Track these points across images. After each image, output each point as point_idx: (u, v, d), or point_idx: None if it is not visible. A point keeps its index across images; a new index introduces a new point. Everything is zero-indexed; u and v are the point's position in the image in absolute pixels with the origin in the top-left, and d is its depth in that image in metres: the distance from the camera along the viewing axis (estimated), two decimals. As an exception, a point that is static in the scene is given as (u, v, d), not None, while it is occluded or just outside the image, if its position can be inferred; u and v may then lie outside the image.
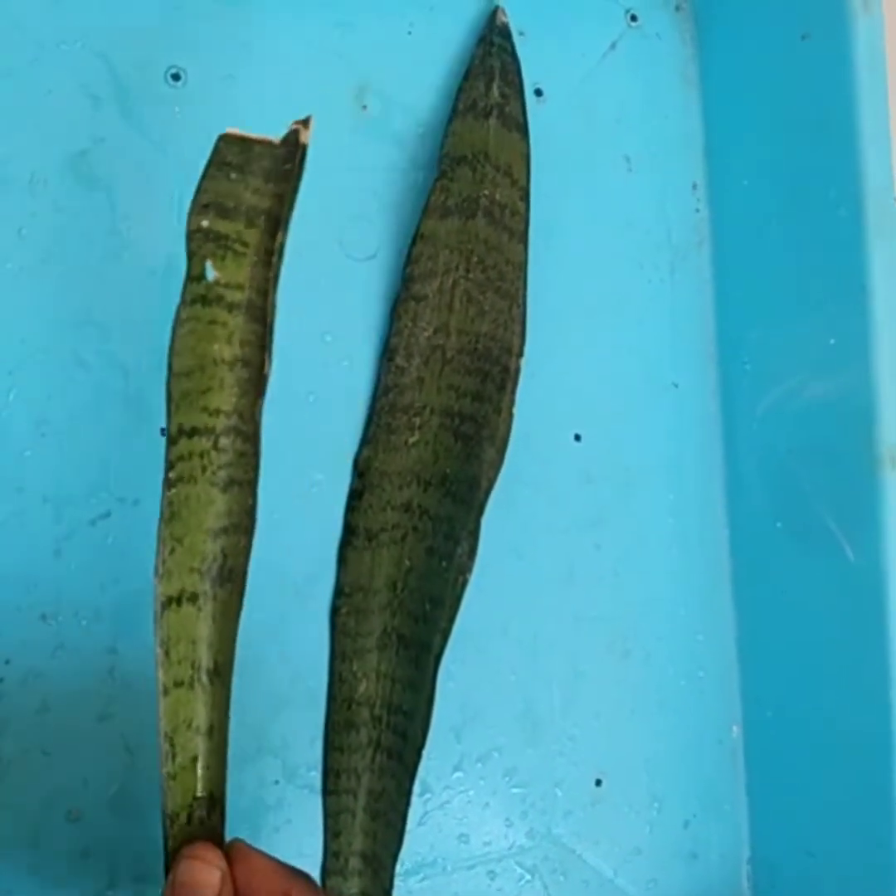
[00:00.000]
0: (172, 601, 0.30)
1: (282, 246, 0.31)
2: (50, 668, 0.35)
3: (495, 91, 0.40)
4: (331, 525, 0.40)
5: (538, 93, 0.44)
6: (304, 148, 0.31)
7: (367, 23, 0.41)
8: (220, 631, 0.31)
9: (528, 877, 0.43)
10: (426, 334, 0.40)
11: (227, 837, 0.37)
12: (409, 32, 0.42)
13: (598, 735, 0.44)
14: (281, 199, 0.31)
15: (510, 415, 0.41)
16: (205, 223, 0.30)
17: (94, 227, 0.37)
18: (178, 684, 0.30)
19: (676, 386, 0.46)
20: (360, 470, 0.40)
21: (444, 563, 0.39)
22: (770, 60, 0.44)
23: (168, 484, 0.30)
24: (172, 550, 0.30)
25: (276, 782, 0.38)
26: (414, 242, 0.40)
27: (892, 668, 0.39)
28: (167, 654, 0.30)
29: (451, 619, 0.39)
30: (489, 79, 0.41)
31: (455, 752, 0.41)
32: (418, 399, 0.40)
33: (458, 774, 0.41)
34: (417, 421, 0.40)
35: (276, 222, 0.31)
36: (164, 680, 0.30)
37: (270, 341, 0.31)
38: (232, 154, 0.31)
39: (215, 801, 0.31)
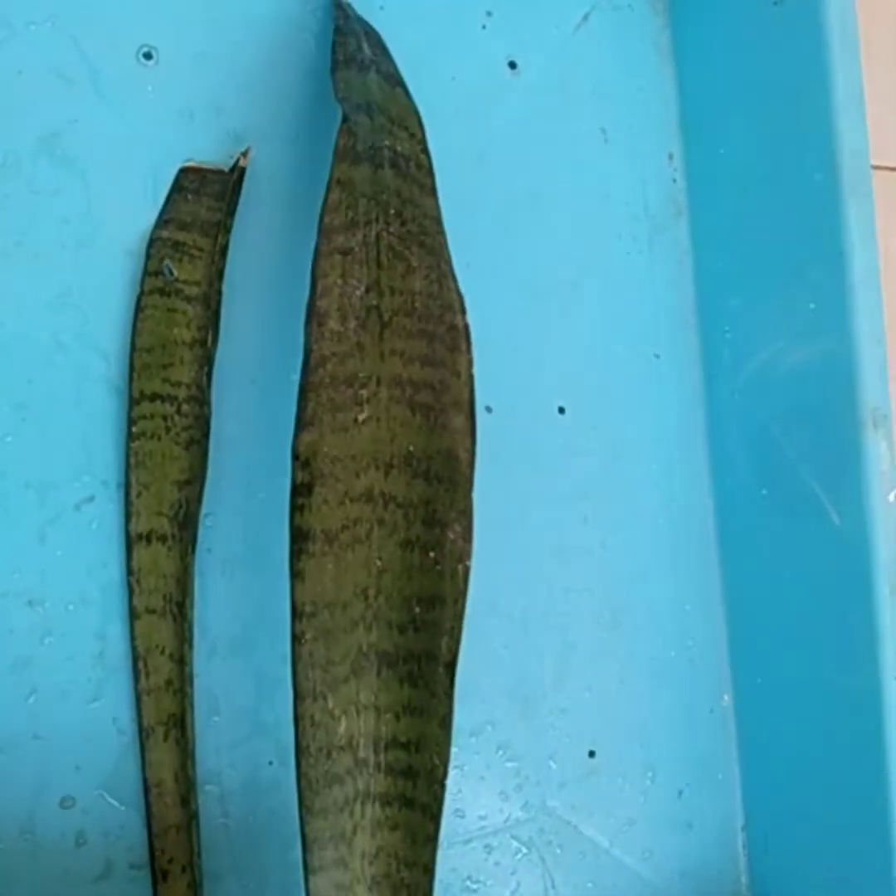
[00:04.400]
0: (142, 538, 0.36)
1: (225, 246, 0.38)
2: (38, 654, 0.35)
3: (366, 50, 0.39)
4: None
5: (512, 65, 0.44)
6: (242, 171, 0.38)
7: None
8: (186, 569, 0.36)
9: (524, 850, 0.43)
10: (358, 293, 0.34)
11: (223, 819, 0.37)
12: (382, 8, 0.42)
13: (590, 707, 0.44)
14: (225, 211, 0.38)
15: (471, 377, 0.36)
16: (166, 234, 0.37)
17: (69, 208, 0.36)
18: (150, 611, 0.36)
19: (658, 356, 0.46)
20: (304, 458, 0.32)
21: (431, 555, 0.33)
22: (742, 28, 0.44)
23: (132, 437, 0.36)
24: (139, 494, 0.36)
25: (271, 763, 0.38)
26: (329, 189, 0.35)
27: (880, 629, 0.39)
28: (139, 582, 0.36)
29: (459, 618, 0.33)
30: (357, 39, 0.39)
31: (448, 728, 0.41)
32: (361, 368, 0.34)
33: (452, 749, 0.41)
34: (364, 394, 0.33)
35: (221, 228, 0.37)
36: (136, 605, 0.35)
37: (217, 323, 0.37)
38: (189, 181, 0.38)
39: (186, 727, 0.35)
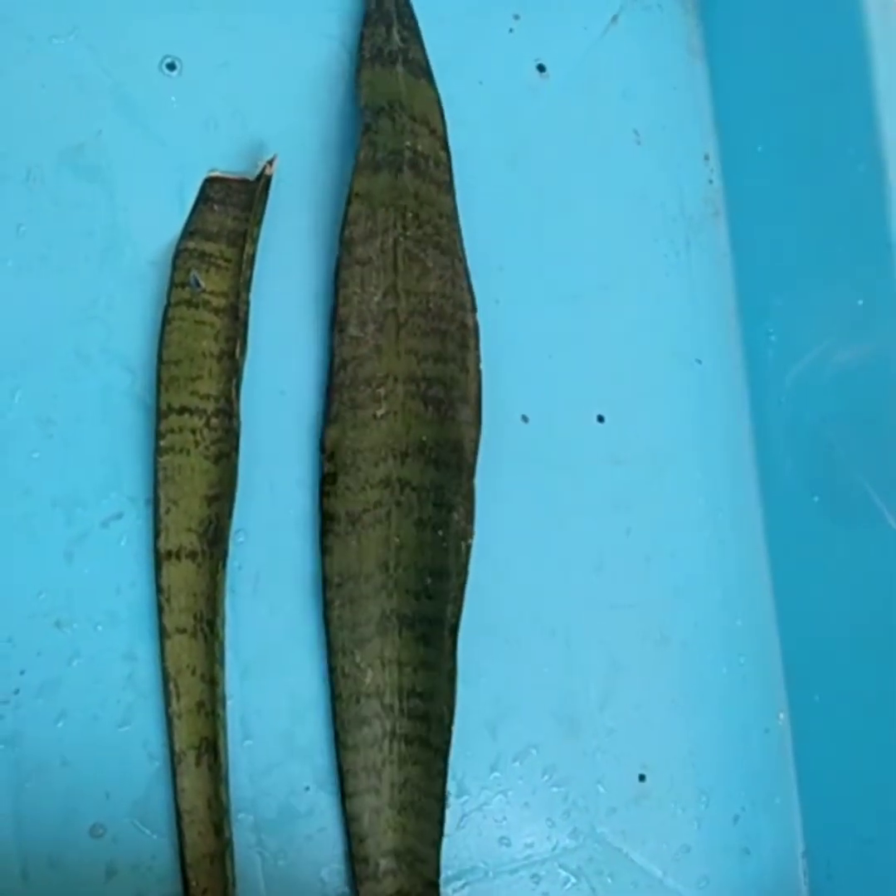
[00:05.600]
0: (172, 555, 0.35)
1: (252, 256, 0.37)
2: (66, 676, 0.34)
3: (396, 36, 0.39)
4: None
5: (541, 68, 0.43)
6: (268, 179, 0.37)
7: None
8: (217, 587, 0.35)
9: (573, 880, 0.41)
10: (376, 299, 0.38)
11: (258, 848, 0.36)
12: None
13: (639, 728, 0.42)
14: (252, 221, 0.37)
15: (478, 372, 0.39)
16: (192, 245, 0.37)
17: (94, 220, 0.36)
18: (180, 631, 0.35)
19: (700, 362, 0.45)
20: (329, 451, 0.37)
21: (440, 533, 0.37)
22: (775, 22, 0.43)
23: (159, 451, 0.35)
24: (168, 510, 0.35)
25: (307, 788, 0.37)
26: (349, 202, 0.38)
27: (945, 639, 0.38)
28: (168, 601, 0.35)
29: (461, 588, 0.38)
30: (388, 24, 0.39)
31: (491, 751, 0.40)
32: (379, 368, 0.38)
33: (496, 774, 0.40)
34: (382, 391, 0.38)
35: (247, 238, 0.37)
36: (166, 624, 0.35)
37: (245, 334, 0.37)
38: (215, 192, 0.37)
39: (219, 751, 0.34)
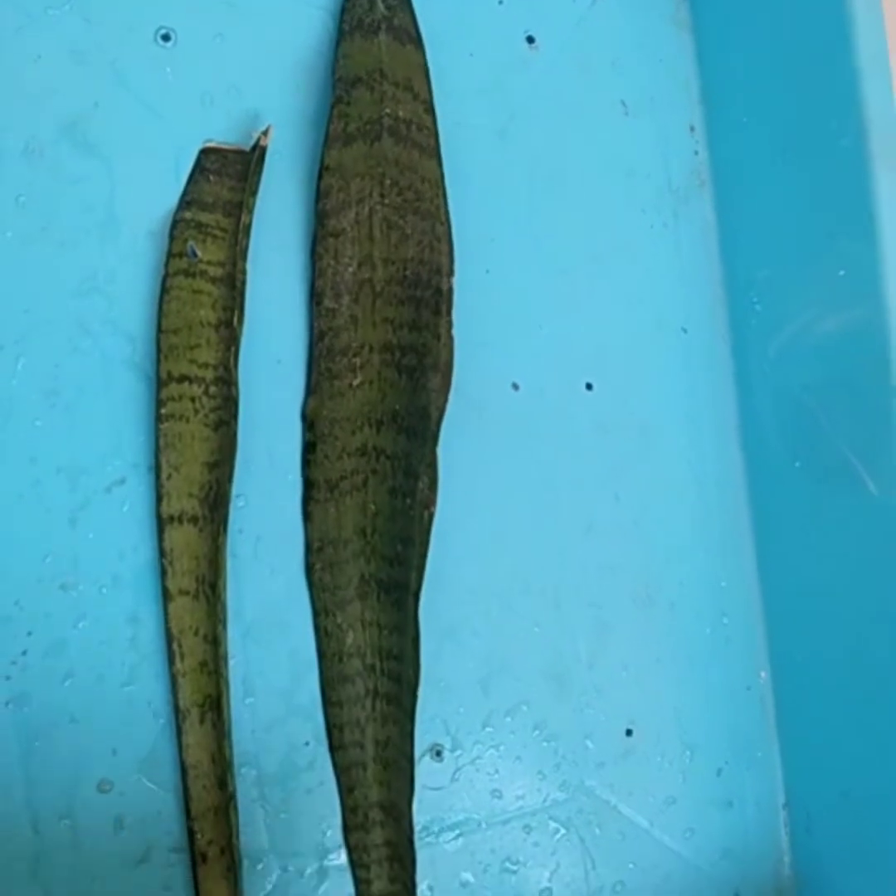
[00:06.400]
0: (173, 519, 0.36)
1: (248, 225, 0.37)
2: (72, 637, 0.35)
3: (380, 5, 0.39)
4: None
5: (530, 40, 0.43)
6: (263, 149, 0.37)
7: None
8: (218, 550, 0.36)
9: (563, 830, 0.42)
10: (351, 270, 0.38)
11: (260, 801, 0.37)
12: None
13: (626, 685, 0.44)
14: (247, 191, 0.37)
15: (450, 338, 0.39)
16: (188, 215, 0.37)
17: (92, 192, 0.36)
18: (183, 593, 0.35)
19: (686, 331, 0.46)
20: (310, 421, 0.38)
21: (407, 501, 0.38)
22: (763, -5, 0.43)
23: (160, 419, 0.36)
24: (170, 476, 0.36)
25: (307, 744, 0.38)
26: (320, 176, 0.38)
27: (921, 597, 0.39)
28: (171, 564, 0.35)
29: (423, 556, 0.39)
30: None
31: (483, 708, 0.41)
32: (355, 339, 0.38)
33: (488, 729, 0.41)
34: (358, 361, 0.38)
35: (243, 208, 0.37)
36: (169, 587, 0.35)
37: (242, 304, 0.37)
38: (210, 162, 0.37)
39: (221, 708, 0.35)
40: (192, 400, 0.36)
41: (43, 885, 0.34)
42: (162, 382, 0.36)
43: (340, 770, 0.38)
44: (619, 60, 0.45)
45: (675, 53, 0.47)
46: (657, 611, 0.45)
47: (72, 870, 0.35)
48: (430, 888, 0.39)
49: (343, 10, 0.39)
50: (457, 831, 0.40)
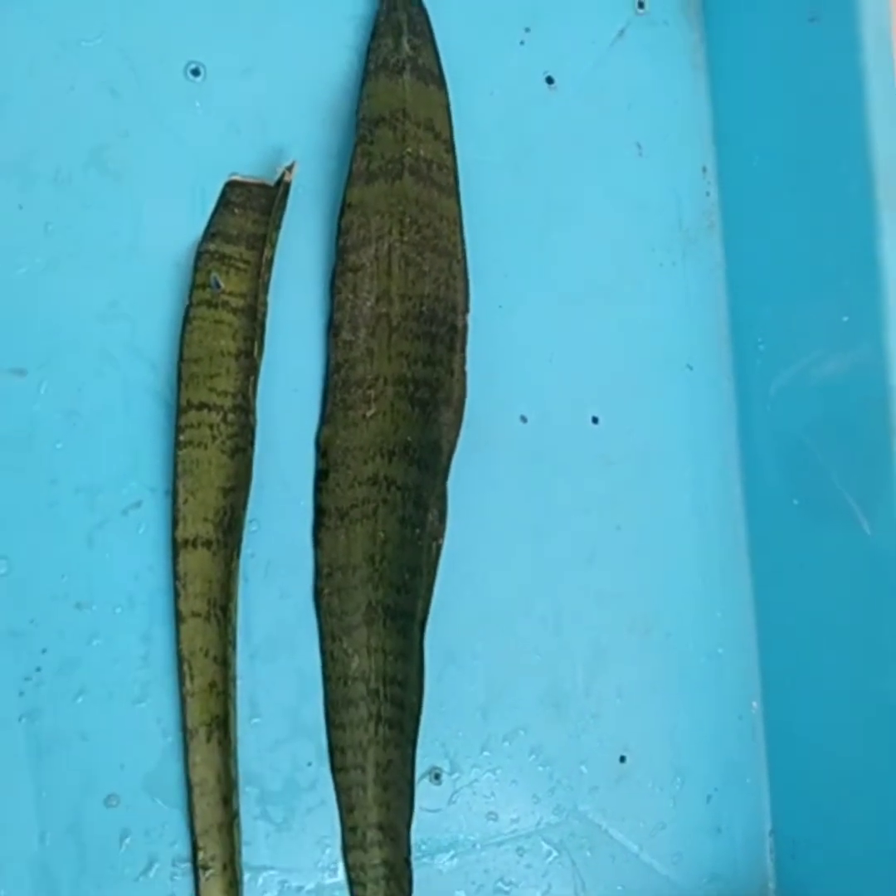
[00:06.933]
0: (188, 543, 0.37)
1: (270, 260, 0.38)
2: (86, 655, 0.36)
3: (405, 45, 0.40)
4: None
5: (549, 81, 0.44)
6: (287, 185, 0.38)
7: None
8: (230, 574, 0.37)
9: (555, 853, 0.43)
10: (368, 304, 0.39)
11: (263, 819, 0.38)
12: None
13: (622, 712, 0.45)
14: (271, 225, 0.38)
15: (463, 374, 0.40)
16: (212, 247, 0.38)
17: (119, 220, 0.37)
18: (195, 615, 0.36)
19: (691, 368, 0.47)
20: (323, 449, 0.39)
21: (416, 531, 0.39)
22: (777, 44, 0.44)
23: (179, 445, 0.37)
24: (186, 501, 0.37)
25: (310, 764, 0.39)
26: (342, 213, 0.39)
27: (911, 639, 0.40)
28: (184, 586, 0.36)
29: (430, 587, 0.39)
30: (397, 33, 0.40)
31: (482, 732, 0.42)
32: (370, 371, 0.39)
33: (486, 753, 0.42)
34: (372, 393, 0.39)
35: (266, 242, 0.38)
36: (182, 609, 0.36)
37: (262, 335, 0.38)
38: (235, 195, 0.38)
39: (228, 728, 0.36)
40: (211, 427, 0.37)
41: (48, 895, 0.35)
42: (181, 409, 0.37)
43: (341, 790, 0.39)
44: (635, 101, 0.46)
45: (690, 95, 0.47)
46: (654, 640, 0.46)
47: (77, 881, 0.36)
48: (425, 907, 0.40)
49: (369, 50, 0.40)
50: (452, 852, 0.41)
